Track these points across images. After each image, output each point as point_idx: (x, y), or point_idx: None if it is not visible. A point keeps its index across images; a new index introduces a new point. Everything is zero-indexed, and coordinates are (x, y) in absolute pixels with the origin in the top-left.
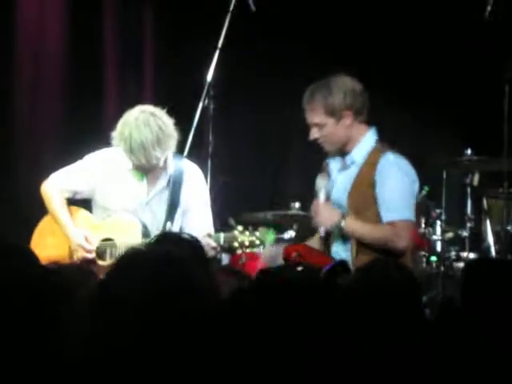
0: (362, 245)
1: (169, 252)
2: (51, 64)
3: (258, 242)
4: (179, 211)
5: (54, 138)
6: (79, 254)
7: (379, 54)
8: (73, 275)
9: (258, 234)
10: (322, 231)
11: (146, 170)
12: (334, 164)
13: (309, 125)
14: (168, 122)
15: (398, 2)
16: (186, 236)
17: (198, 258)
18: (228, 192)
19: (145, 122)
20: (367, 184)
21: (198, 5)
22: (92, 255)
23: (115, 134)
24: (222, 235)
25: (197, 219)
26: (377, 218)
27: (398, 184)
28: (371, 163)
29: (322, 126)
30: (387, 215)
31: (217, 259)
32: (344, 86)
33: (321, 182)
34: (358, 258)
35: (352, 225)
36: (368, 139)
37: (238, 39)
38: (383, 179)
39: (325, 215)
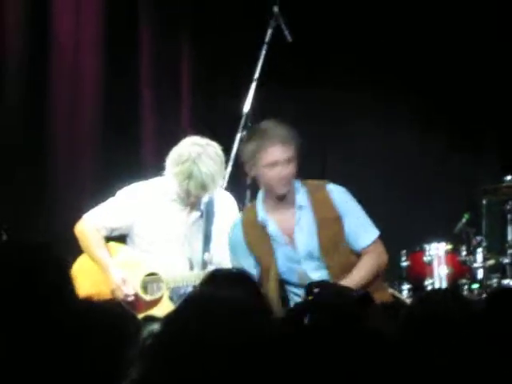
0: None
1: (244, 302)
2: (87, 96)
3: None
4: (214, 241)
5: (91, 174)
6: (118, 295)
7: (421, 83)
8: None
9: None
10: None
11: (198, 202)
12: (271, 228)
13: (270, 164)
14: (220, 149)
15: (424, 24)
16: (237, 272)
17: (254, 295)
18: None
19: (208, 155)
20: (332, 220)
21: (235, 35)
22: (131, 298)
23: (177, 172)
24: None
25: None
26: (348, 250)
27: (357, 206)
28: (321, 201)
29: (291, 161)
30: (366, 237)
31: None
32: (287, 126)
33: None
34: None
35: (351, 282)
36: (297, 183)
37: (274, 70)
38: (346, 209)
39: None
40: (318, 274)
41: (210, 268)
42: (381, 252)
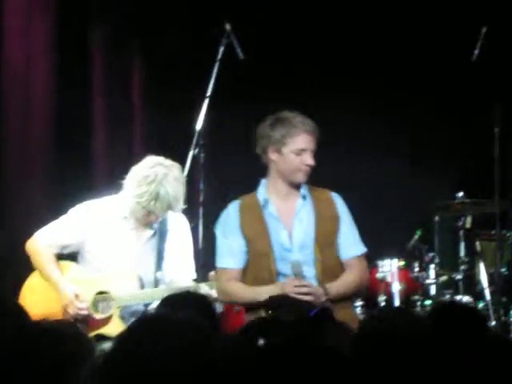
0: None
1: (197, 324)
2: (38, 114)
3: None
4: (166, 259)
5: (42, 191)
6: (71, 311)
7: (370, 105)
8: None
9: None
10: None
11: (152, 221)
12: (271, 209)
13: (299, 150)
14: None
15: (386, 45)
16: (193, 294)
17: (209, 317)
18: None
19: (174, 177)
20: (331, 218)
21: (187, 53)
22: (84, 313)
23: (141, 193)
24: None
25: (180, 267)
26: (337, 256)
27: (352, 219)
28: (324, 199)
29: (313, 154)
30: (355, 249)
31: None
32: None
33: (298, 267)
34: None
35: (334, 288)
36: None
37: (227, 87)
38: (344, 216)
39: (316, 294)
40: (304, 267)
41: (162, 287)
42: (364, 268)
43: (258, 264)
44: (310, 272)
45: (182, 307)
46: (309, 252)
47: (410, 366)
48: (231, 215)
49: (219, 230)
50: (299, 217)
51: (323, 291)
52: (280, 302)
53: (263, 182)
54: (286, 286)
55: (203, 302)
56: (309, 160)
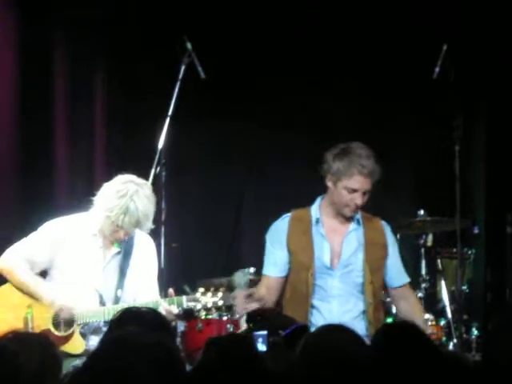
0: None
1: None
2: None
3: (220, 302)
4: (129, 278)
5: (4, 210)
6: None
7: (327, 117)
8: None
9: (220, 294)
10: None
11: (112, 241)
12: (320, 228)
13: (351, 189)
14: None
15: (348, 62)
16: (146, 310)
17: (163, 330)
18: (182, 259)
19: (144, 194)
20: (379, 245)
21: (149, 71)
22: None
23: (113, 206)
24: (184, 298)
25: (145, 286)
26: (382, 280)
27: (398, 249)
28: (375, 227)
29: (367, 192)
30: (404, 277)
31: (173, 326)
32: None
33: (242, 278)
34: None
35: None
36: None
37: (188, 106)
38: (392, 246)
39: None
40: (345, 286)
41: (122, 304)
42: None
43: (298, 276)
44: (351, 289)
45: (134, 324)
46: (353, 272)
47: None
48: (280, 226)
49: (268, 238)
50: (349, 238)
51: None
52: (259, 316)
53: (319, 199)
54: (235, 298)
55: (155, 318)
56: (358, 200)
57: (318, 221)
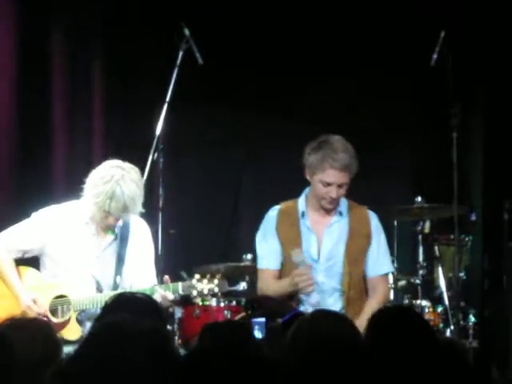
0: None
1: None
2: None
3: (216, 289)
4: (127, 264)
5: (2, 197)
6: (30, 315)
7: (325, 104)
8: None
9: (216, 281)
10: (314, 299)
11: (115, 225)
12: (306, 221)
13: (325, 182)
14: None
15: (345, 48)
16: (139, 296)
17: (156, 316)
18: (179, 245)
19: (131, 178)
20: (363, 235)
21: (146, 58)
22: (42, 317)
23: (99, 192)
24: (180, 285)
25: (141, 272)
26: (363, 272)
27: (385, 240)
28: (360, 217)
29: (343, 185)
30: (383, 268)
31: (170, 313)
32: (353, 150)
33: (299, 256)
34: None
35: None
36: None
37: (186, 92)
38: (377, 235)
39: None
40: (329, 280)
41: (119, 291)
42: (387, 288)
43: (290, 268)
44: (334, 283)
45: (126, 309)
46: (336, 264)
47: (340, 373)
48: (270, 219)
49: (260, 232)
50: (331, 230)
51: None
52: (257, 303)
53: (305, 191)
54: (295, 277)
55: (151, 303)
56: (333, 193)
57: (303, 214)
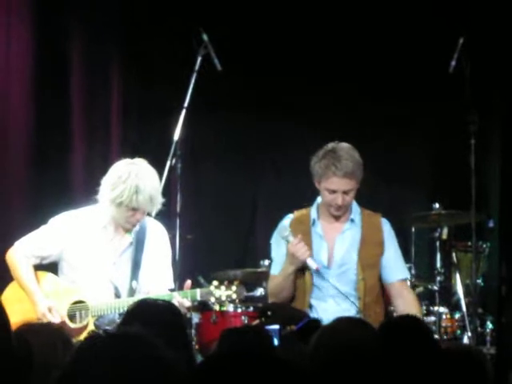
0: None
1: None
2: (16, 125)
3: (234, 295)
4: (143, 269)
5: (20, 199)
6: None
7: (342, 110)
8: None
9: (234, 288)
10: (313, 265)
11: (129, 228)
12: (317, 228)
13: (330, 190)
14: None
15: (364, 55)
16: (162, 303)
17: (176, 325)
18: (196, 250)
19: (146, 170)
20: (375, 243)
21: (165, 63)
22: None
23: (119, 192)
24: (198, 291)
25: (158, 276)
26: (378, 277)
27: (398, 247)
28: (372, 224)
29: (349, 192)
30: (401, 273)
31: (187, 318)
32: (359, 157)
33: (284, 231)
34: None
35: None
36: (354, 203)
37: (204, 98)
38: (391, 242)
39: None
40: (342, 286)
41: (138, 296)
42: (411, 290)
43: (299, 274)
44: (348, 289)
45: (147, 319)
46: (349, 271)
47: (362, 377)
48: (283, 227)
49: (273, 239)
50: (343, 237)
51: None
52: (271, 310)
53: (318, 199)
54: (290, 248)
55: (174, 310)
56: (339, 200)
57: (314, 222)
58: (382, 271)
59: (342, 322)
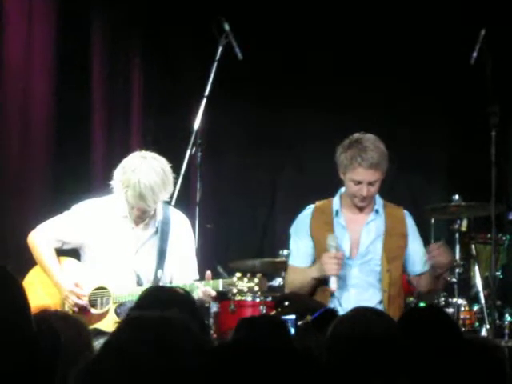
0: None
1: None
2: (38, 112)
3: (256, 288)
4: (168, 259)
5: (41, 187)
6: (71, 301)
7: (363, 101)
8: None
9: (256, 280)
10: (333, 284)
11: (143, 217)
12: (340, 219)
13: (355, 181)
14: (168, 166)
15: (385, 46)
16: (178, 290)
17: (190, 312)
18: (216, 239)
19: (150, 166)
20: (399, 234)
21: (185, 52)
22: (84, 302)
23: (118, 182)
24: (220, 282)
25: (183, 266)
26: (401, 269)
27: (421, 238)
28: (396, 217)
29: (374, 183)
30: (422, 267)
31: (206, 307)
32: (384, 148)
33: (332, 241)
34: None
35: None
36: (377, 195)
37: (225, 87)
38: (414, 235)
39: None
40: (364, 276)
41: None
42: None
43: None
44: (371, 279)
45: (161, 305)
46: (372, 261)
47: (382, 368)
48: (304, 217)
49: (293, 229)
50: (368, 228)
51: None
52: (288, 301)
53: (341, 190)
54: (323, 258)
55: (185, 298)
56: (363, 191)
57: (337, 212)
58: (407, 264)
59: (359, 312)
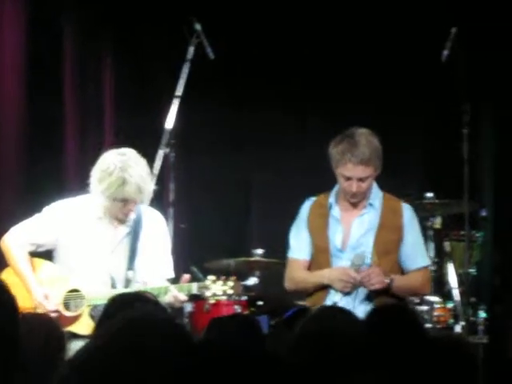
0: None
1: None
2: (9, 116)
3: (230, 291)
4: (139, 258)
5: (14, 191)
6: (42, 309)
7: (334, 101)
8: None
9: (230, 284)
10: (337, 297)
11: (122, 219)
12: (335, 212)
13: (345, 176)
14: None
15: (356, 44)
16: (146, 296)
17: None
18: (190, 239)
19: (134, 160)
20: (394, 228)
21: (157, 53)
22: (54, 314)
23: (104, 185)
24: (194, 285)
25: (156, 266)
26: (394, 263)
27: (420, 234)
28: (392, 209)
29: (365, 180)
30: (420, 261)
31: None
32: (378, 144)
33: (357, 259)
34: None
35: (398, 281)
36: (376, 187)
37: (197, 87)
38: (411, 228)
39: (376, 279)
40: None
41: (133, 285)
42: (427, 280)
43: (318, 259)
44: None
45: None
46: (361, 255)
47: (348, 365)
48: (303, 211)
49: (295, 222)
50: (361, 220)
51: (384, 281)
52: (263, 300)
53: (338, 185)
54: (340, 275)
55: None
56: (353, 187)
57: (331, 205)
58: (401, 258)
59: (324, 310)
